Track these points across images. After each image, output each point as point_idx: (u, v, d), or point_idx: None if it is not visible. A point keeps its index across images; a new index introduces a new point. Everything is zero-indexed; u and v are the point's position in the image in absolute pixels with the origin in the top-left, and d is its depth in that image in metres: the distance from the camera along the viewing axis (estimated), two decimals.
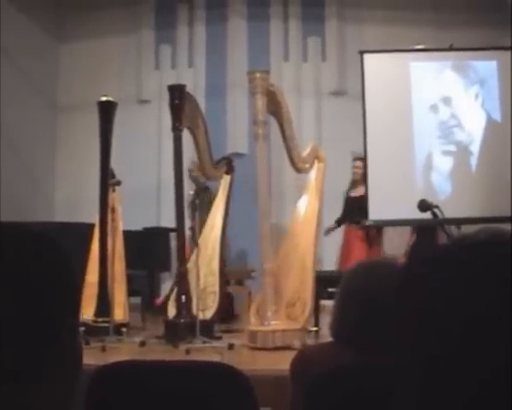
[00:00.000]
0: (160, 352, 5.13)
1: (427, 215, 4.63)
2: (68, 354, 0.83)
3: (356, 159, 7.57)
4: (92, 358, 4.53)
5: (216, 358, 4.60)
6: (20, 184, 8.54)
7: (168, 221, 7.95)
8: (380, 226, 7.45)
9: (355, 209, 7.29)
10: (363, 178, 7.36)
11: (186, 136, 6.22)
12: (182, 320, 5.60)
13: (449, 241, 0.79)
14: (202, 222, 6.48)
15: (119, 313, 6.04)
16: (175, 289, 5.97)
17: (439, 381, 0.72)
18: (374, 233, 7.48)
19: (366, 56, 7.59)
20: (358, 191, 7.44)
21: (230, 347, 5.24)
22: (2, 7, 8.13)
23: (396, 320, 0.78)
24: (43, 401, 0.79)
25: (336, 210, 7.44)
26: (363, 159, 7.32)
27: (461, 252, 0.76)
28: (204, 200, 6.86)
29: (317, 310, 5.91)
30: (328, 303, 5.16)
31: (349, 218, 7.47)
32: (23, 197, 8.54)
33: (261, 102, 5.71)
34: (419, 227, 7.32)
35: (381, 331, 0.77)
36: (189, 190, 6.14)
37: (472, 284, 0.72)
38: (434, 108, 7.53)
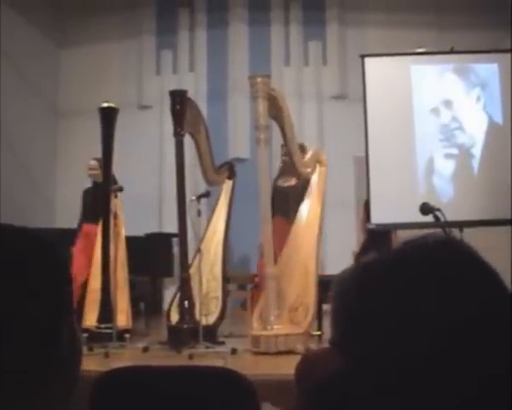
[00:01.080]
0: (163, 357, 5.12)
1: (430, 218, 4.62)
2: (67, 357, 0.83)
3: (284, 146, 6.55)
4: (95, 364, 4.54)
5: (219, 363, 4.59)
6: (21, 189, 8.54)
7: (170, 227, 7.96)
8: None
9: (284, 200, 6.60)
10: (291, 167, 6.45)
11: (188, 141, 6.22)
12: (185, 326, 5.59)
13: (400, 244, 0.80)
14: None
15: (122, 319, 6.04)
16: (178, 295, 5.97)
17: (411, 380, 0.72)
18: None
19: (367, 60, 7.59)
20: (289, 181, 6.83)
21: (233, 352, 5.24)
22: (3, 11, 8.14)
23: (358, 321, 0.78)
24: (43, 403, 0.79)
25: (337, 212, 7.40)
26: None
27: (413, 255, 0.77)
28: None
29: (319, 314, 5.90)
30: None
31: (278, 209, 6.61)
32: (23, 203, 8.54)
33: (262, 106, 5.70)
34: (370, 229, 7.27)
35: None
36: (191, 195, 6.12)
37: (428, 286, 0.73)
38: (436, 111, 7.53)
